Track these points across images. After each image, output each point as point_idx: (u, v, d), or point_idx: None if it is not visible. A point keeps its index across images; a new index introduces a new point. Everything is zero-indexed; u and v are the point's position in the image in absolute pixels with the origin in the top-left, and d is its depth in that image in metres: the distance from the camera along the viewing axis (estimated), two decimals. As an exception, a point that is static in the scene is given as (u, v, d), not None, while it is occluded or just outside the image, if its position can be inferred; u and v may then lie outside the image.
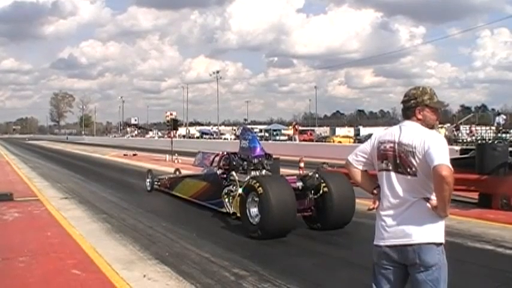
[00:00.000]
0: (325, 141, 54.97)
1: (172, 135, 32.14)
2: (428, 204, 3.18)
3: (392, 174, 3.32)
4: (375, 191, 3.45)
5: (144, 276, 6.23)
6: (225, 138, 75.05)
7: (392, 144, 3.31)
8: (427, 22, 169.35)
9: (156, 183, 15.17)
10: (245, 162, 10.41)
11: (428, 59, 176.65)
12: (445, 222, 3.27)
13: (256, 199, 8.38)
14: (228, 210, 9.76)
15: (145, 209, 11.88)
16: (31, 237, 8.51)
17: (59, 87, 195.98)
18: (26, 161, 30.61)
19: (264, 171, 10.18)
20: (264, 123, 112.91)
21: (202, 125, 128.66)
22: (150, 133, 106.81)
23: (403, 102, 3.43)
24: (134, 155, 35.10)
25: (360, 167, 3.49)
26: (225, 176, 10.61)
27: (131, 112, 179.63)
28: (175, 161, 27.13)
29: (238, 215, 9.03)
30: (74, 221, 9.94)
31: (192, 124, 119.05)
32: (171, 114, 32.06)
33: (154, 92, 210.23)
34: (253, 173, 9.94)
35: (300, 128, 62.47)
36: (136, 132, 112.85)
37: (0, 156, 35.41)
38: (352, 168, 3.53)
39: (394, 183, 3.30)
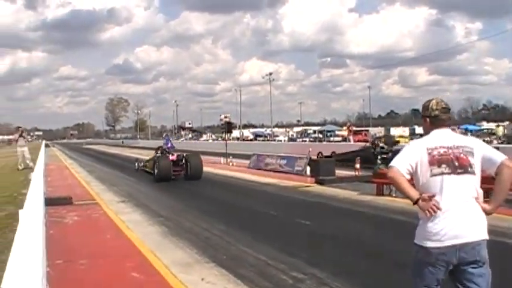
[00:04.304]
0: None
1: (226, 138, 32.31)
2: (480, 203, 3.48)
3: (452, 176, 3.49)
4: (425, 200, 3.47)
5: (203, 279, 6.23)
6: (278, 140, 74.97)
7: (446, 149, 3.53)
8: (483, 17, 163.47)
9: (141, 166, 23.63)
10: (165, 151, 21.06)
11: (485, 56, 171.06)
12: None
13: (155, 163, 19.40)
14: (151, 171, 20.42)
15: (201, 212, 11.97)
16: (91, 240, 8.68)
17: (114, 93, 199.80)
18: (84, 165, 31.34)
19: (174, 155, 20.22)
20: (318, 124, 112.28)
21: (255, 127, 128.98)
22: (204, 136, 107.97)
23: (447, 111, 3.73)
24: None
25: (408, 176, 3.57)
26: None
27: (185, 115, 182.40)
28: (230, 164, 27.25)
29: (151, 171, 20.27)
30: (132, 224, 10.09)
31: (245, 126, 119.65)
32: (225, 117, 32.19)
33: (208, 95, 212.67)
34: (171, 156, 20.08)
35: (354, 128, 61.61)
36: (190, 135, 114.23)
37: (59, 161, 36.38)
38: (400, 176, 3.56)
39: (453, 185, 3.47)
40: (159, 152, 21.39)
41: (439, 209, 3.43)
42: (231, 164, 27.33)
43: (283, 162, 22.70)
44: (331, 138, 68.28)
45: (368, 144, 27.26)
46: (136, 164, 24.38)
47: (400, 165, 3.57)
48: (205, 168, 24.74)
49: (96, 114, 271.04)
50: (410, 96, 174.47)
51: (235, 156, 29.36)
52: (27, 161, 25.16)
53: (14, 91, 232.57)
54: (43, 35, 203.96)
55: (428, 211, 3.45)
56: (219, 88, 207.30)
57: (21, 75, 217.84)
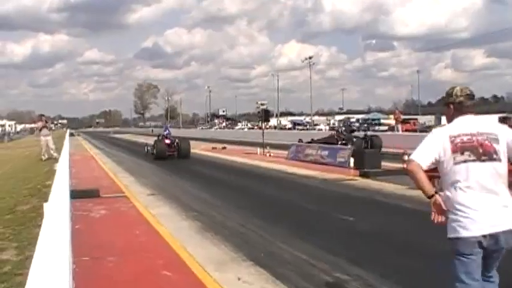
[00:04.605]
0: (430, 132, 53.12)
1: (263, 126, 32.26)
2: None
3: (477, 163, 3.66)
4: (436, 195, 3.77)
5: (239, 279, 6.24)
6: (319, 129, 74.54)
7: (469, 136, 3.70)
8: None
9: (149, 149, 28.91)
10: (163, 136, 27.90)
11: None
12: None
13: (154, 145, 27.15)
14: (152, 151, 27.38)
15: (236, 205, 12.03)
16: (119, 235, 8.79)
17: (143, 78, 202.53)
18: (111, 156, 31.83)
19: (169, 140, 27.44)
20: (362, 112, 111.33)
21: (294, 115, 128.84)
22: (239, 124, 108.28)
23: (471, 98, 3.90)
24: (223, 148, 35.50)
25: (425, 168, 3.77)
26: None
27: (219, 102, 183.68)
28: (267, 155, 27.24)
29: (150, 150, 28.16)
30: (163, 219, 10.17)
31: (283, 114, 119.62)
32: (262, 104, 32.12)
33: (243, 80, 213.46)
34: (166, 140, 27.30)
35: (402, 116, 60.73)
36: (224, 123, 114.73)
37: (85, 150, 36.89)
38: (418, 170, 3.75)
39: (478, 172, 3.65)
40: (160, 137, 28.63)
41: (442, 214, 3.74)
42: (268, 154, 27.31)
43: (325, 153, 22.55)
44: (376, 128, 67.14)
45: (333, 132, 32.29)
46: (145, 148, 30.76)
47: (420, 158, 3.78)
48: (241, 160, 25.02)
49: (123, 101, 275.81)
50: (464, 81, 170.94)
51: (272, 146, 29.32)
52: (51, 151, 25.61)
53: (37, 77, 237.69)
54: (67, 17, 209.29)
55: (434, 213, 3.77)
56: (254, 73, 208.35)
57: (44, 60, 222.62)
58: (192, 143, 29.46)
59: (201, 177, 18.59)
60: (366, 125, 72.82)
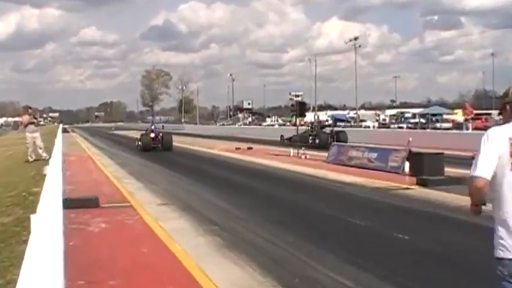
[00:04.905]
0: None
1: (297, 122, 32.20)
2: None
3: None
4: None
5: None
6: (365, 126, 74.22)
7: None
8: None
9: (139, 143, 36.96)
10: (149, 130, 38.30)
11: None
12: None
13: (140, 139, 37.15)
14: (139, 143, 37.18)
15: (264, 218, 12.03)
16: (123, 254, 8.83)
17: (151, 63, 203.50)
18: (113, 156, 32.17)
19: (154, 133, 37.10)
20: (419, 106, 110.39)
21: (335, 108, 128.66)
22: (268, 120, 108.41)
23: None
24: (249, 148, 35.63)
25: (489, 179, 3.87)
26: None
27: (243, 93, 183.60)
28: (302, 157, 27.19)
29: (140, 143, 37.02)
30: (176, 234, 10.20)
31: (322, 108, 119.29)
32: (296, 95, 32.13)
33: (273, 66, 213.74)
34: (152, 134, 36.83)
35: (474, 111, 59.83)
36: (250, 119, 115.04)
37: (81, 150, 37.09)
38: (484, 185, 3.88)
39: None
40: (146, 131, 38.23)
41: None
42: (303, 156, 27.32)
43: (373, 155, 22.44)
44: (438, 125, 66.24)
45: (308, 128, 40.78)
46: (136, 143, 38.52)
47: (486, 172, 3.86)
48: (270, 162, 25.04)
49: (128, 90, 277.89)
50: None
51: (308, 146, 29.26)
52: (40, 151, 25.67)
53: (22, 60, 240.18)
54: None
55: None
56: (287, 57, 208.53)
57: (30, 40, 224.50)
58: (211, 142, 29.53)
59: (223, 184, 18.67)
60: (423, 122, 72.11)
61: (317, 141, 36.48)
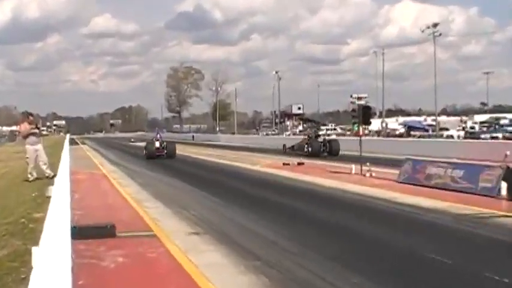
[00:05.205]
0: None
1: (361, 131, 31.94)
2: None
3: None
4: None
5: None
6: (448, 136, 73.43)
7: None
8: None
9: (145, 151, 48.69)
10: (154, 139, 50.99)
11: None
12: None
13: (145, 147, 50.26)
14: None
15: (320, 252, 12.02)
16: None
17: (179, 59, 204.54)
18: (132, 174, 32.41)
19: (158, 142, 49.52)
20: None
21: (408, 114, 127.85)
22: (323, 128, 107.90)
23: None
24: (300, 164, 35.79)
25: None
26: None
27: (292, 96, 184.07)
28: (368, 174, 26.97)
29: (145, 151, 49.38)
30: (210, 271, 10.21)
31: (390, 113, 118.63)
32: (358, 98, 31.82)
33: (330, 62, 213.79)
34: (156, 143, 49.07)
35: None
36: (301, 127, 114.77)
37: (93, 167, 37.40)
38: None
39: None
40: (152, 140, 49.82)
41: None
42: (368, 174, 27.14)
43: (459, 173, 22.18)
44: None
45: (305, 137, 51.20)
46: (144, 151, 48.88)
47: None
48: (326, 182, 24.95)
49: (150, 93, 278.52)
50: None
51: (374, 161, 29.09)
52: (43, 166, 25.91)
53: (19, 56, 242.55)
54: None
55: None
56: (347, 50, 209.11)
57: (30, 31, 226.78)
58: (253, 155, 29.60)
59: (267, 209, 18.66)
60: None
61: (310, 149, 47.14)
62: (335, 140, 50.90)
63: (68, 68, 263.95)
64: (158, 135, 49.56)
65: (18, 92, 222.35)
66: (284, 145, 55.07)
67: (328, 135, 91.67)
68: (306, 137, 50.73)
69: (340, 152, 45.70)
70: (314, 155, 45.02)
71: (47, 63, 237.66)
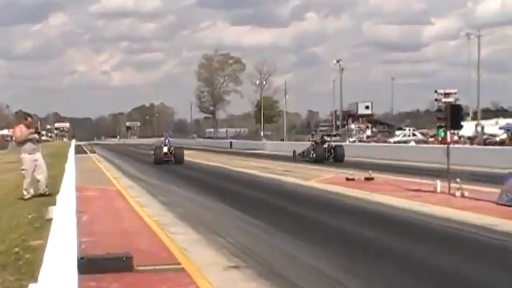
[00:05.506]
0: None
1: (449, 137, 31.62)
2: None
3: None
4: None
5: None
6: None
7: None
8: None
9: (152, 154, 62.96)
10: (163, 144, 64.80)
11: None
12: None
13: (153, 152, 63.62)
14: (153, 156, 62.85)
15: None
16: None
17: (214, 45, 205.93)
18: (154, 191, 32.60)
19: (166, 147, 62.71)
20: None
21: (511, 115, 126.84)
22: (399, 133, 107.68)
23: None
24: (368, 179, 35.71)
25: None
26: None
27: (358, 91, 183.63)
28: (457, 193, 26.59)
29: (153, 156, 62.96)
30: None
31: (488, 113, 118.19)
32: (445, 94, 31.31)
33: (406, 48, 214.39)
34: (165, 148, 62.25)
35: None
36: (369, 131, 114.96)
37: (106, 181, 37.74)
38: None
39: None
40: (160, 145, 60.97)
41: None
42: (458, 193, 26.77)
43: None
44: None
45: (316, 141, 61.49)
46: (152, 157, 59.77)
47: None
48: (402, 203, 24.64)
49: (177, 88, 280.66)
50: None
51: (465, 176, 28.81)
52: (41, 179, 25.91)
53: (14, 40, 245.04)
54: None
55: None
56: (430, 33, 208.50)
57: (27, 10, 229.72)
58: (307, 168, 29.48)
59: (327, 237, 18.45)
60: None
61: (314, 155, 57.64)
62: (340, 146, 61.82)
63: (74, 56, 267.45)
64: (167, 141, 60.10)
65: (12, 87, 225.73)
66: (294, 151, 64.62)
67: (405, 142, 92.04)
68: (313, 142, 61.46)
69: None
70: (318, 160, 55.94)
71: (47, 49, 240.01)
